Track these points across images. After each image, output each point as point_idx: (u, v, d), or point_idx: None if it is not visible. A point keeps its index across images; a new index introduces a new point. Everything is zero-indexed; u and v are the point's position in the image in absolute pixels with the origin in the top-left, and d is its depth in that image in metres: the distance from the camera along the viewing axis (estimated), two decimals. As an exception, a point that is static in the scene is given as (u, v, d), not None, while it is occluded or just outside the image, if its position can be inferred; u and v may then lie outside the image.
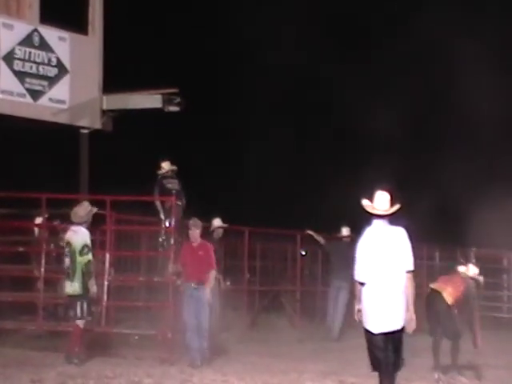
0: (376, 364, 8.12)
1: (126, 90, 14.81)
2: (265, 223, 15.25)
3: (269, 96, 22.61)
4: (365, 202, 8.28)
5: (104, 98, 14.66)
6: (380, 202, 8.25)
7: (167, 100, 14.30)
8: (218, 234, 14.15)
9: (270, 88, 22.36)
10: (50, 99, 14.11)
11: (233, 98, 23.70)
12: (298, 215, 19.70)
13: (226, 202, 21.64)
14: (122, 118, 14.91)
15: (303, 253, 17.79)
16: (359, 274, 8.21)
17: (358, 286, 8.22)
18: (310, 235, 15.47)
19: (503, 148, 21.02)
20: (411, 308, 8.06)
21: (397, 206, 8.23)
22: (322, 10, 23.44)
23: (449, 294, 11.15)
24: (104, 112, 14.64)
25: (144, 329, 12.73)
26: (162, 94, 14.34)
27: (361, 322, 8.21)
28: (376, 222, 8.25)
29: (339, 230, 16.10)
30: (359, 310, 8.21)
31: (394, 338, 8.10)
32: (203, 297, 11.48)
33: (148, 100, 14.55)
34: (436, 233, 18.22)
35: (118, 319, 13.30)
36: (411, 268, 8.14)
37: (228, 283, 17.31)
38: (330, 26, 23.72)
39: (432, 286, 11.28)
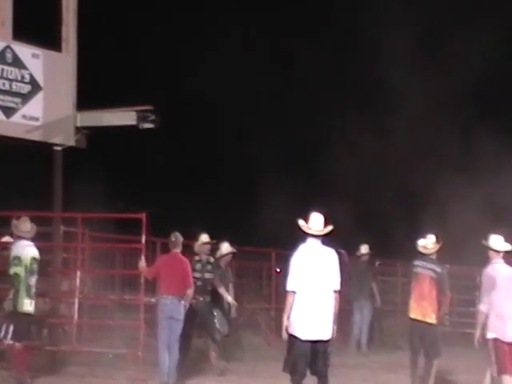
0: (293, 369, 8.72)
1: (100, 108, 14.76)
2: (240, 241, 15.22)
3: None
4: (301, 222, 9.01)
5: (78, 115, 14.59)
6: (315, 222, 8.98)
7: (142, 117, 14.27)
8: (226, 260, 13.63)
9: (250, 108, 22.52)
10: (24, 116, 14.02)
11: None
12: (271, 233, 19.72)
13: (200, 219, 21.64)
14: (96, 136, 14.85)
15: (278, 270, 17.77)
16: (292, 284, 8.80)
17: (290, 299, 8.78)
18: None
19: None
20: (335, 322, 8.85)
21: (330, 228, 8.98)
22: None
23: (431, 315, 11.11)
24: (78, 129, 14.58)
25: (117, 347, 12.67)
26: (137, 111, 14.31)
27: (288, 338, 8.76)
28: (310, 241, 8.94)
29: (358, 249, 16.42)
30: (287, 326, 8.76)
31: (321, 348, 8.70)
32: (178, 313, 11.36)
33: (122, 117, 14.50)
34: (409, 250, 18.29)
35: (94, 338, 13.24)
36: (338, 288, 8.91)
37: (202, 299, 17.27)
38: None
39: (413, 316, 11.14)
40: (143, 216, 11.65)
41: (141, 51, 24.07)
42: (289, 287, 8.86)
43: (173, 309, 11.31)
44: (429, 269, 11.19)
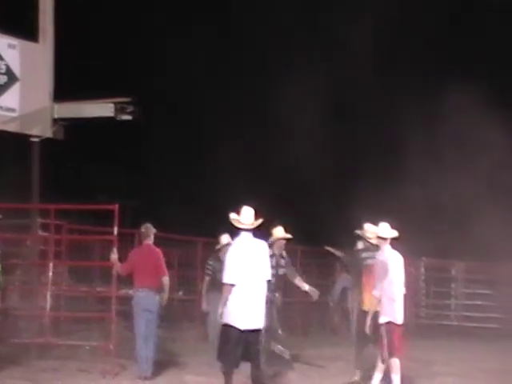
0: (229, 360, 9.01)
1: (78, 99, 14.67)
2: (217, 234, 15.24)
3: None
4: (232, 216, 9.30)
5: (55, 106, 14.48)
6: (246, 216, 9.26)
7: (120, 109, 14.19)
8: (280, 245, 12.64)
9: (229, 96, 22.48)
10: (0, 107, 13.91)
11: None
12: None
13: (173, 213, 21.65)
14: (74, 127, 14.76)
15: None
16: (229, 277, 9.11)
17: (227, 290, 9.06)
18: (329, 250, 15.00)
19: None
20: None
21: (260, 221, 9.25)
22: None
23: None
24: (55, 120, 14.47)
25: (93, 340, 12.65)
26: (115, 102, 14.24)
27: (223, 328, 9.07)
28: (243, 234, 9.24)
29: (355, 244, 16.32)
30: (222, 313, 9.06)
31: (254, 337, 9.05)
32: (154, 305, 11.31)
33: (100, 109, 14.41)
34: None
35: (70, 330, 13.23)
36: (269, 278, 9.33)
37: (181, 293, 17.27)
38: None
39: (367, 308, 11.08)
40: (115, 207, 11.58)
41: (121, 43, 23.97)
42: (226, 280, 9.15)
43: (148, 301, 11.26)
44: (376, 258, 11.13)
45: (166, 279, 11.44)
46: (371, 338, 10.74)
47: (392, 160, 20.90)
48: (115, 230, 11.67)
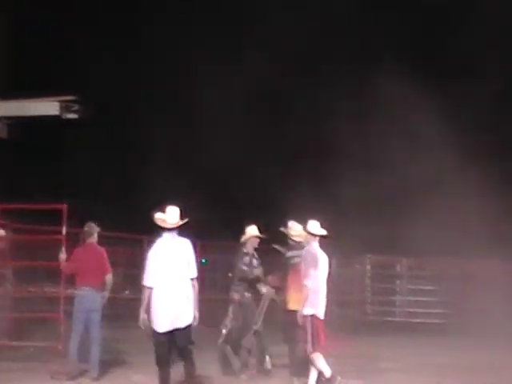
0: (159, 360, 9.21)
1: (23, 97, 14.50)
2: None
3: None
4: (157, 215, 9.34)
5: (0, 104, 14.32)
6: (170, 215, 9.33)
7: (65, 107, 14.08)
8: (253, 243, 12.23)
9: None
10: None
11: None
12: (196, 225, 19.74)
13: (120, 210, 21.53)
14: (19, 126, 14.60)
15: (203, 261, 17.83)
16: (148, 279, 9.22)
17: (146, 293, 9.20)
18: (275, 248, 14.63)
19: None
20: (196, 308, 9.29)
21: (185, 220, 9.31)
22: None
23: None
24: (-1, 119, 14.30)
25: (41, 341, 12.53)
26: (60, 101, 14.11)
27: (145, 327, 9.22)
28: (166, 234, 9.31)
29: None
30: (144, 318, 9.20)
31: (182, 335, 9.18)
32: (96, 304, 11.22)
33: (45, 107, 14.27)
34: (333, 241, 18.60)
35: (16, 331, 13.08)
36: (195, 275, 9.35)
37: (127, 292, 17.21)
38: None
39: (293, 307, 11.08)
40: (64, 207, 11.47)
41: (66, 42, 23.72)
42: (145, 282, 9.26)
43: (90, 300, 11.17)
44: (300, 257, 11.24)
45: (109, 277, 11.36)
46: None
47: (329, 158, 21.06)
48: (64, 230, 11.57)
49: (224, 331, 11.62)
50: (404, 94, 18.62)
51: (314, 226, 10.55)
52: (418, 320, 19.63)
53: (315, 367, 10.26)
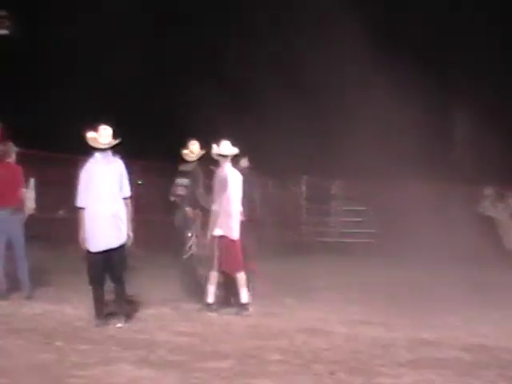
0: (93, 280, 9.32)
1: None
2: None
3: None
4: (90, 135, 9.31)
5: None
6: (103, 135, 9.31)
7: (-5, 23, 13.67)
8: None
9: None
10: None
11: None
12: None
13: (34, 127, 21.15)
14: None
15: (139, 182, 17.76)
16: (81, 200, 9.27)
17: (81, 214, 9.25)
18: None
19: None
20: (130, 228, 9.34)
21: (118, 140, 9.30)
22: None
23: None
24: None
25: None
26: (-10, 16, 13.68)
27: (85, 250, 9.26)
28: (98, 154, 9.32)
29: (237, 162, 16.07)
30: (82, 240, 9.23)
31: (115, 256, 9.27)
32: (12, 224, 11.01)
33: (-26, 23, 13.85)
34: (269, 163, 18.72)
35: None
36: (128, 194, 9.40)
37: (61, 212, 17.12)
38: None
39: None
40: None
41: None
42: (78, 203, 9.29)
43: (8, 221, 10.97)
44: None
45: (22, 192, 11.13)
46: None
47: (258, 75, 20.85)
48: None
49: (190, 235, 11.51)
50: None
51: (225, 146, 10.56)
52: (351, 240, 20.03)
53: (207, 284, 10.40)
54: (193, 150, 11.61)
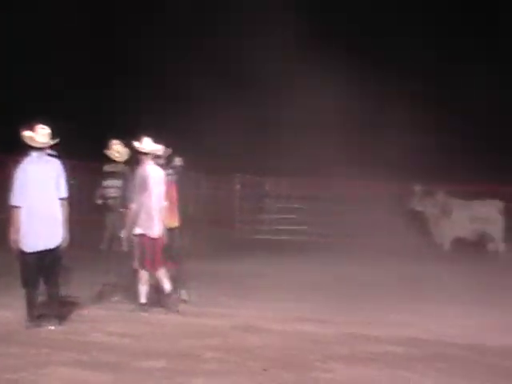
0: (26, 282, 9.16)
1: None
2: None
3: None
4: (27, 134, 9.22)
5: None
6: (40, 135, 9.24)
7: None
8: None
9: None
10: None
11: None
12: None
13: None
14: None
15: (71, 182, 17.48)
16: (16, 199, 9.12)
17: (15, 214, 9.11)
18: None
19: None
20: (65, 229, 9.25)
21: (56, 140, 9.27)
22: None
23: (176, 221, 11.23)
24: None
25: None
26: None
27: (18, 250, 9.13)
28: (35, 153, 9.21)
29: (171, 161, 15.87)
30: (15, 240, 9.09)
31: (50, 257, 9.16)
32: None
33: None
34: (204, 162, 18.68)
35: None
36: (64, 195, 9.31)
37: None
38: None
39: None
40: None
41: None
42: (13, 202, 9.14)
43: None
44: (170, 175, 11.31)
45: None
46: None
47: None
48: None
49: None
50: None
51: (147, 143, 10.49)
52: (285, 238, 20.13)
53: (138, 284, 10.39)
54: (117, 149, 11.52)
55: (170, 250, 11.14)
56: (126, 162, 11.43)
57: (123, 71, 22.21)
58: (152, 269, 10.40)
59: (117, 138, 11.50)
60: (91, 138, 19.65)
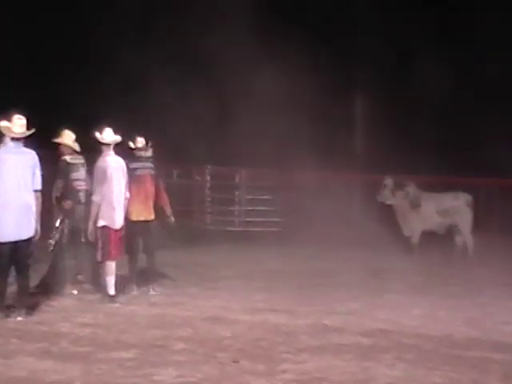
0: None
1: None
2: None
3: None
4: (2, 124, 9.17)
5: None
6: (17, 125, 9.17)
7: None
8: None
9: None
10: None
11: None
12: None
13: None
14: None
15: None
16: None
17: None
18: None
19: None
20: (38, 221, 9.20)
21: (32, 131, 9.20)
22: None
23: (152, 213, 11.30)
24: None
25: None
26: None
27: None
28: (11, 144, 9.15)
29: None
30: None
31: (22, 248, 9.12)
32: None
33: None
34: (176, 152, 18.62)
35: None
36: (39, 187, 9.23)
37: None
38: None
39: (136, 218, 11.04)
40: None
41: None
42: None
43: None
44: (147, 168, 11.29)
45: None
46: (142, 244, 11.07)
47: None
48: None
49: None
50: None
51: (108, 133, 10.46)
52: (256, 229, 20.16)
53: (105, 276, 10.40)
54: (72, 139, 11.17)
55: (146, 243, 11.19)
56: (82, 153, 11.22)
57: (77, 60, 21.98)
58: (111, 258, 10.37)
59: (72, 128, 11.26)
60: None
